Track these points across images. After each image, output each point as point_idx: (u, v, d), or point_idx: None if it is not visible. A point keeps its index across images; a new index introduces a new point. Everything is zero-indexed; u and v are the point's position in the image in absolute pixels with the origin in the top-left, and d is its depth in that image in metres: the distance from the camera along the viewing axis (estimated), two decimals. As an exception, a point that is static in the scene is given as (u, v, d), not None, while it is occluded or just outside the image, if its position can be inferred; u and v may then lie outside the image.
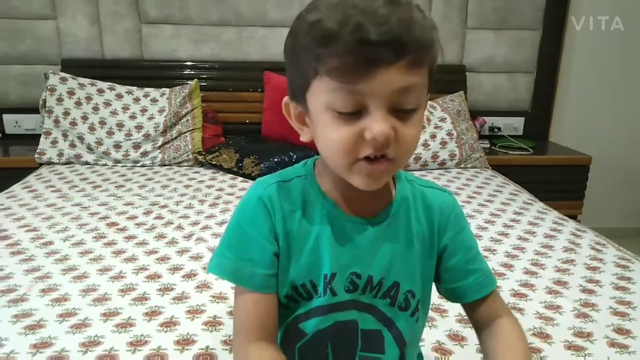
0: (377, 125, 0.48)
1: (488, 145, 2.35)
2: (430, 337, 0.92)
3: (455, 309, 1.01)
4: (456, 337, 0.93)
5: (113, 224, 1.42)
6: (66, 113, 1.99)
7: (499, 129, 2.47)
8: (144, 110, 2.06)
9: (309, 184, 0.60)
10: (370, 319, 0.60)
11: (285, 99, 0.58)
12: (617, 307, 1.04)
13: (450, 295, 0.65)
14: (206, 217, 1.49)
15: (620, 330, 0.96)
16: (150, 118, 2.04)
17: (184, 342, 0.89)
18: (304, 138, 0.57)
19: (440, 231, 0.62)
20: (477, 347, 0.90)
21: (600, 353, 0.88)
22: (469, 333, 0.94)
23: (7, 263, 1.17)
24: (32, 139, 2.06)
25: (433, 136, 2.09)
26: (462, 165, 2.09)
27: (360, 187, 0.53)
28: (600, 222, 2.33)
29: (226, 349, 0.87)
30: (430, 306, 0.68)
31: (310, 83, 0.51)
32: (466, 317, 0.98)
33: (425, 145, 2.07)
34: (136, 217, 1.47)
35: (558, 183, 2.24)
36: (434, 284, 0.66)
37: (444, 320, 0.98)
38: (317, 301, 0.59)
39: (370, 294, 0.60)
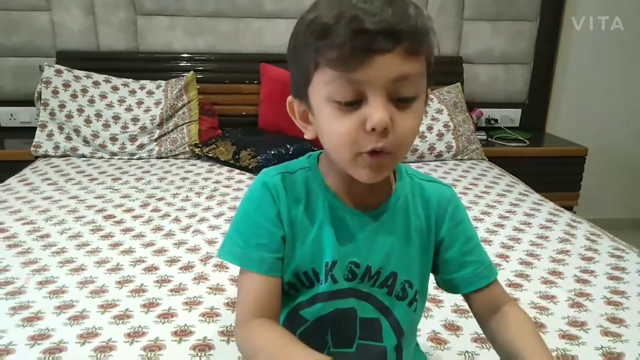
0: (376, 113, 0.49)
1: (485, 137, 2.35)
2: (426, 327, 0.93)
3: (451, 299, 1.02)
4: (452, 327, 0.94)
5: (110, 216, 1.42)
6: (62, 106, 1.98)
7: (496, 120, 2.47)
8: (140, 103, 2.05)
9: (313, 176, 0.61)
10: (369, 307, 0.62)
11: (289, 98, 0.60)
12: (611, 296, 1.05)
13: (447, 286, 0.66)
14: (203, 209, 1.49)
15: (613, 320, 0.97)
16: (147, 110, 2.03)
17: (182, 333, 0.89)
18: (308, 136, 0.59)
19: (437, 224, 0.64)
20: (472, 336, 0.91)
21: (593, 342, 0.89)
22: (465, 323, 0.95)
23: (4, 256, 1.17)
24: (27, 132, 2.05)
25: (430, 128, 2.09)
26: (459, 157, 2.10)
27: (362, 179, 0.54)
28: (596, 213, 2.34)
29: (223, 340, 0.88)
30: (427, 296, 0.69)
31: (311, 77, 0.53)
32: (462, 308, 1.00)
33: (422, 137, 2.07)
34: (133, 210, 1.47)
35: (554, 174, 2.25)
36: (431, 275, 0.66)
37: (440, 310, 0.99)
38: (319, 288, 0.60)
39: (368, 283, 0.61)
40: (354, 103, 0.51)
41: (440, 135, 2.08)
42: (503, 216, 1.50)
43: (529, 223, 1.45)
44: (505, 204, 1.60)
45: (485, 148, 2.19)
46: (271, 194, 0.59)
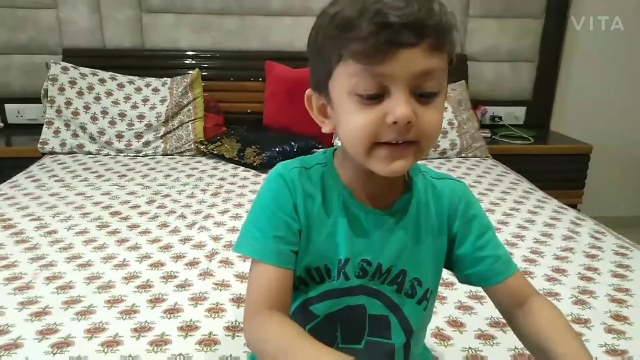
0: (399, 107, 0.49)
1: (489, 135, 2.35)
2: (430, 323, 0.93)
3: (455, 296, 1.03)
4: (455, 324, 0.94)
5: (116, 212, 1.43)
6: (68, 103, 1.99)
7: (500, 118, 2.47)
8: (145, 100, 2.06)
9: (328, 172, 0.61)
10: (378, 304, 0.62)
11: (308, 91, 0.60)
12: (614, 294, 1.05)
13: (465, 281, 0.66)
14: (208, 206, 1.50)
15: (617, 317, 0.97)
16: (152, 108, 2.05)
17: (188, 328, 0.90)
18: (325, 129, 0.59)
19: (449, 221, 0.63)
20: (476, 333, 0.92)
21: (597, 339, 0.90)
22: (468, 319, 0.96)
23: (12, 251, 1.18)
24: (34, 129, 2.07)
25: (434, 125, 2.08)
26: (463, 155, 2.10)
27: (380, 172, 0.54)
28: (600, 211, 2.34)
29: (229, 335, 0.89)
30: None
31: (333, 70, 0.53)
32: (465, 304, 1.00)
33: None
34: (139, 206, 1.48)
35: (559, 172, 2.25)
36: (451, 272, 0.66)
37: (444, 307, 1.00)
38: (330, 285, 0.60)
39: (378, 280, 0.61)
40: (376, 97, 0.51)
41: (444, 133, 2.08)
42: (507, 213, 1.50)
43: (533, 220, 1.45)
44: (509, 201, 1.60)
45: (489, 146, 2.19)
46: (288, 186, 0.59)
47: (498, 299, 0.64)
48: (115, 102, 2.03)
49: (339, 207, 0.60)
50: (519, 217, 1.48)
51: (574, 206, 2.01)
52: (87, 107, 2.00)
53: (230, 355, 0.83)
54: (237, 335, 0.89)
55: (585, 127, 2.47)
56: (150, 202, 1.52)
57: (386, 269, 0.61)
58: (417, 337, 0.65)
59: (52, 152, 1.97)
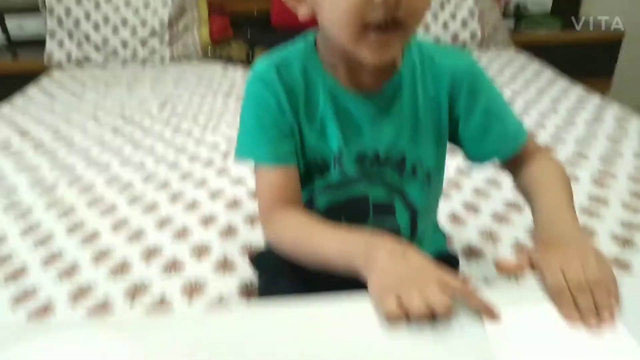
0: None
1: (513, 24, 2.19)
2: (445, 208, 0.94)
3: (470, 183, 1.02)
4: (471, 207, 0.95)
5: (129, 119, 1.43)
6: (68, 11, 1.91)
7: (525, 5, 2.28)
8: (146, 4, 1.96)
9: (310, 62, 0.57)
10: (380, 189, 0.60)
11: None
12: (636, 175, 1.03)
13: (474, 159, 0.62)
14: (220, 108, 1.48)
15: (637, 195, 0.96)
16: (154, 12, 1.95)
17: (207, 220, 0.93)
18: (302, 14, 0.52)
19: (452, 99, 0.59)
20: (491, 214, 0.92)
21: (613, 216, 0.90)
22: (484, 203, 0.96)
23: (36, 161, 1.20)
24: (39, 44, 2.01)
25: (453, 15, 1.95)
26: (484, 46, 1.98)
27: (369, 60, 0.49)
28: (630, 101, 2.23)
29: (248, 225, 0.92)
30: (445, 179, 0.67)
31: None
32: (480, 189, 0.99)
33: (444, 25, 1.94)
34: (151, 112, 1.48)
35: (587, 61, 2.12)
36: (460, 151, 0.63)
37: (459, 192, 0.99)
38: (330, 178, 0.59)
39: (377, 167, 0.59)
40: None
41: (464, 23, 1.95)
42: (530, 101, 1.44)
43: (556, 107, 1.40)
44: (532, 89, 1.54)
45: (513, 36, 2.05)
46: (267, 86, 0.55)
47: (507, 165, 0.62)
48: (116, 8, 1.94)
49: (326, 99, 0.56)
50: (542, 103, 1.42)
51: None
52: (87, 15, 1.92)
53: (250, 242, 0.86)
54: (256, 225, 0.91)
55: (620, 9, 2.27)
56: (161, 107, 1.51)
57: (384, 156, 0.58)
58: (423, 216, 0.64)
59: (59, 65, 1.93)
